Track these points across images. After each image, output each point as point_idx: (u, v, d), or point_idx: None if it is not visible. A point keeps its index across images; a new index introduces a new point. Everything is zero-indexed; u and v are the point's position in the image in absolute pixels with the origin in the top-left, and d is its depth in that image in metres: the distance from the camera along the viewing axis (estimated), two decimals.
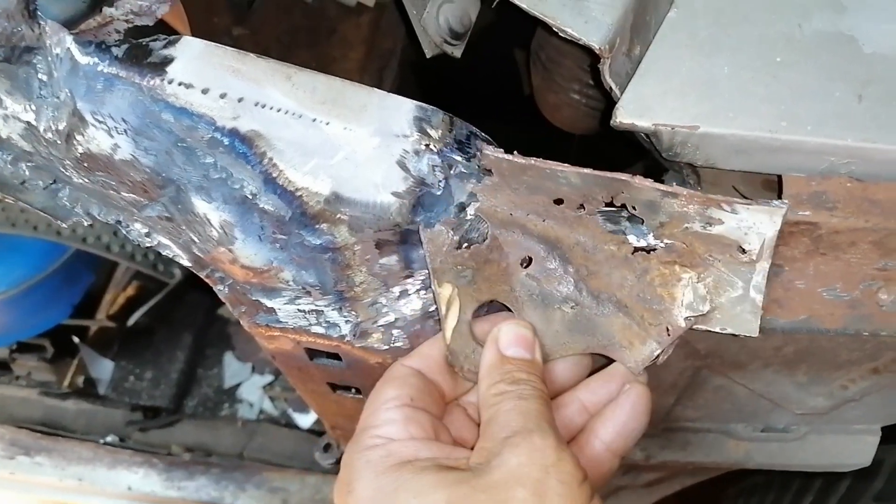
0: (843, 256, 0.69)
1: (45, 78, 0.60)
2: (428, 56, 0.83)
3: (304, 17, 1.09)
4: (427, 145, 0.61)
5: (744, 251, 0.62)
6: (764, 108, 0.67)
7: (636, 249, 0.65)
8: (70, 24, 0.58)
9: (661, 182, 0.61)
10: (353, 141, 0.60)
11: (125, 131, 0.59)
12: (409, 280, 0.68)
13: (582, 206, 0.64)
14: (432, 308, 0.70)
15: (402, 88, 1.21)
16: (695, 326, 0.65)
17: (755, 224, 0.60)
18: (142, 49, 0.59)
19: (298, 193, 0.60)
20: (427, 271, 0.67)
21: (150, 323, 2.27)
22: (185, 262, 0.70)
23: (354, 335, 0.72)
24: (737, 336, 0.66)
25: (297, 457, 1.96)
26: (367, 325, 0.71)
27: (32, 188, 0.70)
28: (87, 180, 0.66)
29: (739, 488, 1.91)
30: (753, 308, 0.64)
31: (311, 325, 0.72)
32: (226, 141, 0.59)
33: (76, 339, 2.21)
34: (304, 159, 0.60)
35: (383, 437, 0.63)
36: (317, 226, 0.62)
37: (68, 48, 0.58)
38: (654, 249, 0.65)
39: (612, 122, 0.67)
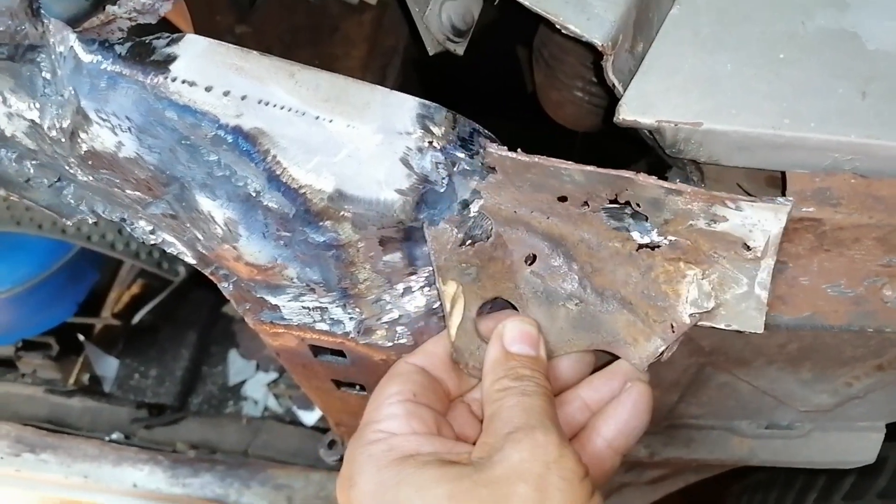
0: (848, 253, 0.69)
1: (48, 76, 0.61)
2: (430, 53, 0.83)
3: (306, 16, 1.09)
4: (430, 142, 0.61)
5: (748, 248, 0.62)
6: (767, 105, 0.67)
7: (640, 246, 0.65)
8: (73, 22, 0.58)
9: (665, 179, 0.61)
10: (356, 138, 0.60)
11: (129, 129, 0.59)
12: (413, 277, 0.68)
13: (586, 204, 0.64)
14: (436, 305, 0.70)
15: (404, 86, 1.21)
16: (699, 323, 0.65)
17: (760, 221, 0.60)
18: (145, 47, 0.59)
19: (302, 191, 0.60)
20: (431, 268, 0.67)
21: (155, 321, 2.27)
22: (190, 260, 0.71)
23: (358, 332, 0.72)
24: (741, 333, 0.66)
25: (301, 454, 1.97)
26: (371, 321, 0.71)
27: (37, 186, 0.70)
28: (91, 178, 0.66)
29: (743, 485, 1.91)
30: (758, 305, 0.64)
31: (315, 322, 0.72)
32: (229, 138, 0.59)
33: (81, 337, 2.21)
34: (308, 157, 0.60)
35: (385, 432, 0.63)
36: (320, 223, 0.62)
37: (72, 46, 0.58)
38: (659, 246, 0.65)
39: (615, 118, 0.67)
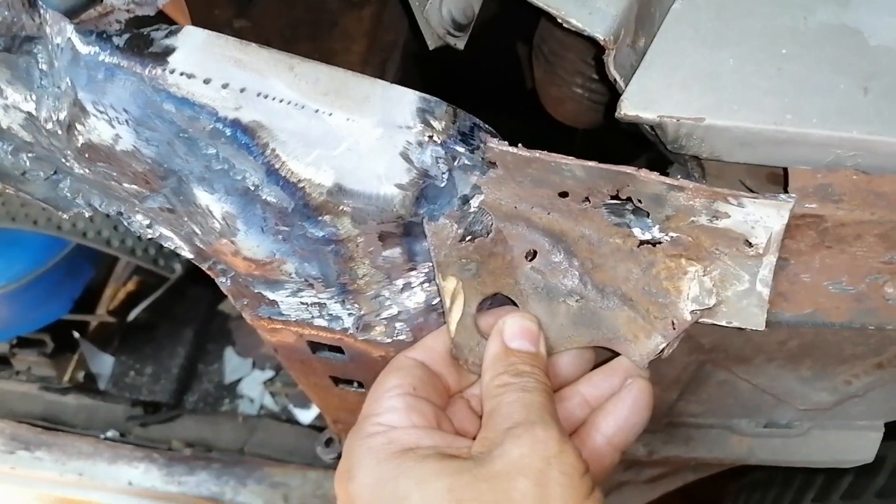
0: (849, 249, 0.69)
1: (45, 68, 0.60)
2: (431, 48, 0.83)
3: (305, 10, 1.09)
4: (430, 137, 0.60)
5: (750, 245, 0.61)
6: (769, 101, 0.66)
7: (641, 242, 0.65)
8: (71, 13, 0.58)
9: (667, 175, 0.61)
10: (355, 132, 0.59)
11: (126, 121, 0.59)
12: (413, 273, 0.67)
13: (587, 199, 0.64)
14: (436, 301, 0.69)
15: (404, 81, 1.20)
16: (700, 320, 0.65)
17: (762, 218, 0.60)
18: (143, 39, 0.58)
19: (301, 185, 0.60)
20: (431, 264, 0.66)
21: (151, 318, 2.26)
22: (187, 255, 0.70)
23: (357, 328, 0.71)
24: (742, 330, 0.65)
25: (297, 452, 1.96)
26: (370, 318, 0.71)
27: (33, 179, 0.70)
28: (88, 171, 0.65)
29: (741, 484, 1.91)
30: (760, 302, 0.64)
31: (313, 317, 0.72)
32: (228, 132, 0.58)
33: (76, 334, 2.20)
34: (307, 150, 0.59)
35: (385, 425, 0.63)
36: (319, 217, 0.61)
37: (69, 38, 0.58)
38: (660, 243, 0.64)
39: (616, 114, 0.67)
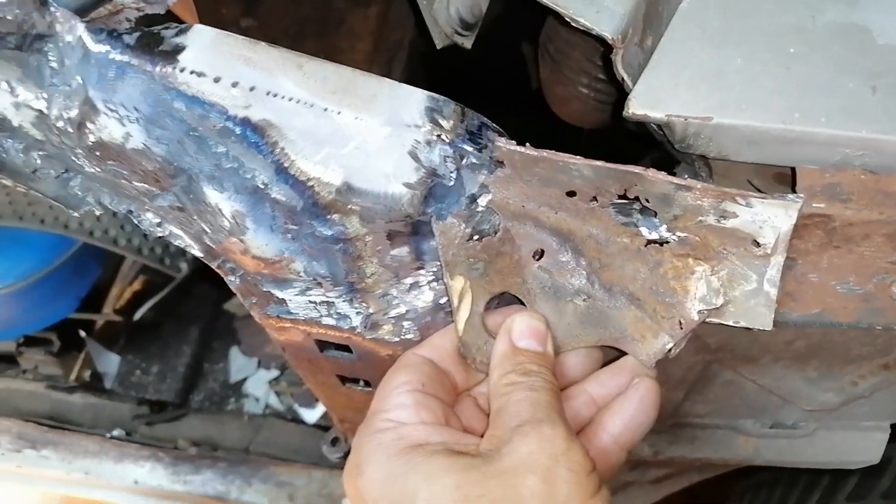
0: (857, 249, 0.69)
1: (56, 66, 0.60)
2: (438, 47, 0.83)
3: (311, 8, 1.09)
4: (439, 136, 0.60)
5: (758, 245, 0.61)
6: (777, 100, 0.66)
7: (649, 242, 0.65)
8: (81, 11, 0.58)
9: (674, 175, 0.61)
10: (364, 131, 0.59)
11: (137, 120, 0.59)
12: (421, 271, 0.68)
13: (595, 199, 0.64)
14: (443, 300, 0.69)
15: (410, 79, 1.20)
16: (708, 320, 0.65)
17: (770, 218, 0.60)
18: (153, 37, 0.58)
19: (310, 183, 0.60)
20: (438, 263, 0.66)
21: (157, 317, 2.27)
22: (197, 253, 0.70)
23: (365, 327, 0.71)
24: (749, 330, 0.65)
25: (303, 451, 1.97)
26: (378, 316, 0.71)
27: (44, 177, 0.70)
28: (98, 169, 0.66)
29: (746, 484, 1.91)
30: (767, 301, 0.64)
31: (321, 316, 0.72)
32: (237, 130, 0.58)
33: (83, 333, 2.21)
34: (316, 149, 0.59)
35: (394, 421, 0.63)
36: (328, 216, 0.62)
37: (80, 36, 0.58)
38: (668, 242, 0.64)
39: (624, 113, 0.67)
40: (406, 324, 0.71)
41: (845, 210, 0.66)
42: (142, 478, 1.87)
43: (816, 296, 0.71)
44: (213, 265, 0.71)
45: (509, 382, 0.64)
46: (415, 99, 0.61)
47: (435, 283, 0.69)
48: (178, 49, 0.58)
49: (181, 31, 0.59)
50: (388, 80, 0.61)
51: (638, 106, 0.66)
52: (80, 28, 0.58)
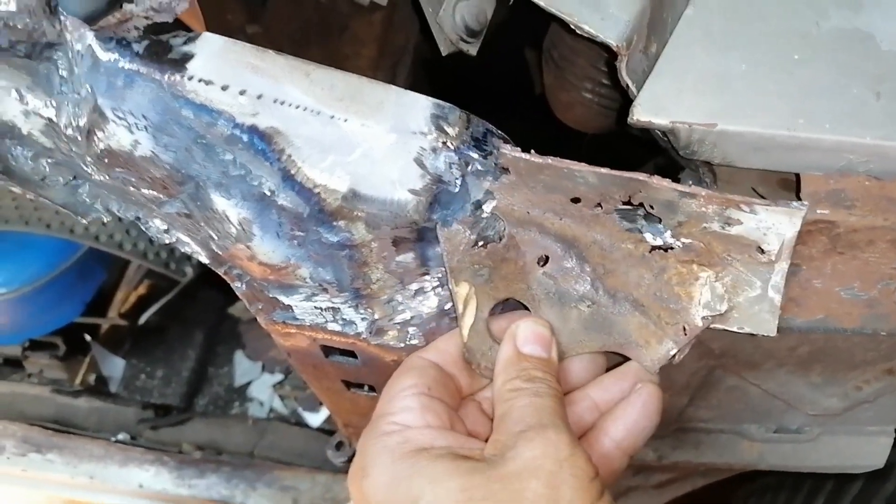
0: (861, 255, 0.69)
1: (65, 74, 0.61)
2: (444, 54, 0.83)
3: (316, 15, 1.09)
4: (444, 143, 0.61)
5: (763, 251, 0.61)
6: (781, 106, 0.66)
7: (653, 248, 0.65)
8: (90, 20, 0.58)
9: (677, 181, 0.61)
10: (370, 138, 0.60)
11: (145, 128, 0.59)
12: (426, 277, 0.68)
13: (599, 205, 0.64)
14: (448, 305, 0.70)
15: (414, 85, 1.21)
16: (712, 326, 0.65)
17: (774, 225, 0.60)
18: (162, 45, 0.59)
19: (316, 190, 0.60)
20: (443, 269, 0.67)
21: (162, 321, 2.27)
22: (204, 259, 0.71)
23: (370, 332, 0.72)
24: (753, 335, 0.66)
25: (307, 455, 1.97)
26: (384, 322, 0.71)
27: (53, 184, 0.70)
28: (106, 177, 0.66)
29: (750, 489, 1.90)
30: (771, 308, 0.64)
31: (327, 322, 0.72)
32: (245, 137, 0.59)
33: (88, 337, 2.21)
34: (322, 156, 0.60)
35: (400, 424, 0.63)
36: (334, 223, 0.62)
37: (89, 44, 0.58)
38: (672, 248, 0.64)
39: (629, 119, 0.67)
40: (411, 329, 0.72)
41: (849, 216, 0.66)
42: (146, 482, 1.87)
43: (820, 301, 0.71)
44: (220, 271, 0.71)
45: (514, 388, 0.64)
46: (421, 106, 0.61)
47: (440, 289, 0.69)
48: (187, 57, 0.58)
49: (189, 40, 0.59)
50: (394, 87, 0.61)
51: (642, 112, 0.67)
52: (90, 36, 0.58)
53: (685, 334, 0.65)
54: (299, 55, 0.61)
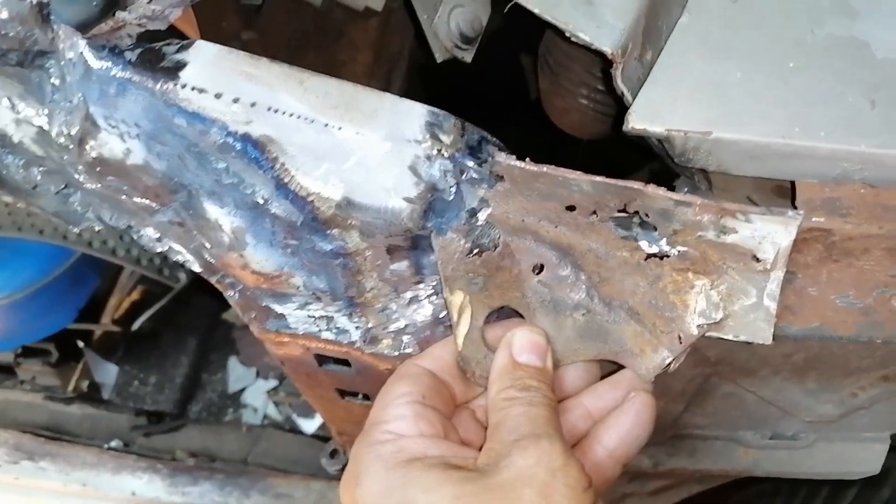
0: (857, 263, 0.69)
1: (57, 82, 0.60)
2: (439, 61, 0.83)
3: (312, 21, 1.09)
4: (439, 150, 0.61)
5: (758, 260, 0.61)
6: (777, 114, 0.66)
7: (649, 256, 0.65)
8: (83, 28, 0.58)
9: (673, 188, 0.61)
10: (364, 146, 0.60)
11: (138, 136, 0.59)
12: (420, 286, 0.68)
13: (594, 213, 0.64)
14: (443, 314, 0.69)
15: (409, 92, 1.21)
16: (707, 334, 0.65)
17: (770, 234, 0.60)
18: (155, 53, 0.59)
19: (310, 198, 0.60)
20: (438, 277, 0.66)
21: (155, 327, 2.26)
22: (196, 268, 0.70)
23: (364, 341, 0.71)
24: (749, 343, 0.65)
25: (301, 462, 1.96)
26: (378, 331, 0.71)
27: (44, 193, 0.70)
28: (98, 185, 0.66)
29: (746, 496, 1.90)
30: (767, 316, 0.64)
31: (321, 330, 0.72)
32: (238, 146, 0.58)
33: (81, 344, 2.20)
34: (316, 164, 0.59)
35: (394, 433, 0.63)
36: (328, 231, 0.62)
37: (81, 52, 0.58)
38: (667, 256, 0.64)
39: (624, 127, 0.67)
40: (405, 338, 0.71)
41: (845, 224, 0.66)
42: (139, 489, 1.86)
43: (816, 309, 0.71)
44: (213, 280, 0.71)
45: (508, 397, 0.64)
46: (415, 114, 0.61)
47: (434, 298, 0.69)
48: (180, 65, 0.58)
49: (183, 48, 0.59)
50: (388, 94, 0.61)
51: (637, 120, 0.66)
52: (82, 45, 0.58)
53: (680, 343, 0.65)
54: (295, 61, 0.61)
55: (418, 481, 0.59)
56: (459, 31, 0.81)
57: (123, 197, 0.66)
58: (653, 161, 0.97)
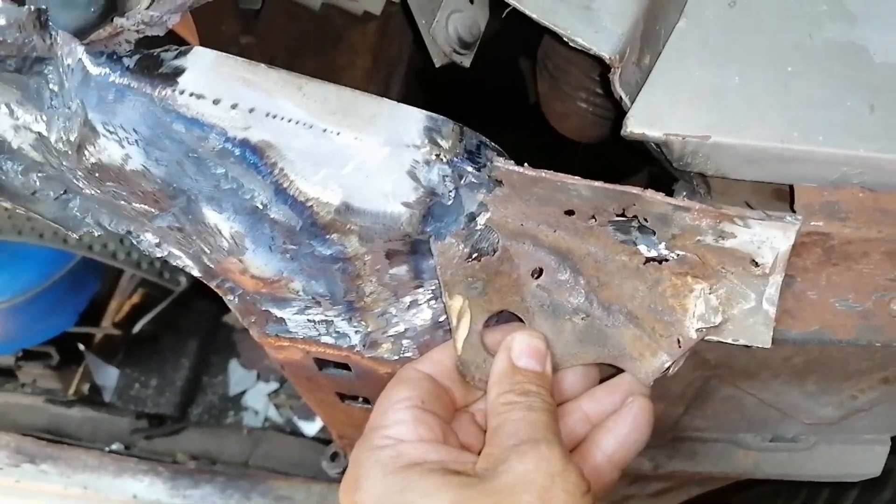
0: (856, 267, 0.69)
1: (56, 88, 0.60)
2: (437, 65, 0.83)
3: (310, 25, 1.09)
4: (437, 155, 0.61)
5: (757, 264, 0.61)
6: (775, 118, 0.66)
7: (648, 260, 0.65)
8: (81, 34, 0.58)
9: (672, 193, 0.61)
10: (363, 151, 0.60)
11: (136, 142, 0.59)
12: (420, 290, 0.68)
13: (593, 218, 0.64)
14: (442, 318, 0.69)
15: (408, 95, 1.21)
16: (707, 337, 0.65)
17: (768, 239, 0.60)
18: (153, 59, 0.59)
19: (309, 204, 0.60)
20: (437, 281, 0.66)
21: (156, 330, 2.27)
22: (196, 273, 0.70)
23: (364, 345, 0.71)
24: (748, 347, 0.65)
25: (302, 465, 1.96)
26: (377, 335, 0.71)
27: (43, 198, 0.70)
28: (97, 191, 0.66)
29: (746, 498, 1.90)
30: (766, 320, 0.64)
31: (320, 335, 0.72)
32: (237, 151, 0.58)
33: (81, 347, 2.20)
34: (315, 169, 0.59)
35: (393, 438, 0.63)
36: (327, 236, 0.62)
37: (80, 59, 0.58)
38: (666, 260, 0.64)
39: (622, 131, 0.67)
40: (405, 342, 0.71)
41: (844, 228, 0.66)
42: (141, 492, 1.86)
43: (815, 313, 0.71)
44: (212, 285, 0.71)
45: (507, 402, 0.64)
46: (414, 119, 0.61)
47: (434, 302, 0.69)
48: (178, 71, 0.58)
49: (181, 54, 0.59)
50: (387, 100, 0.61)
51: (636, 125, 0.66)
52: (80, 51, 0.58)
53: (679, 347, 0.65)
54: (294, 66, 0.61)
55: (417, 486, 0.59)
56: (458, 35, 0.81)
57: (122, 202, 0.66)
58: (652, 164, 0.97)
